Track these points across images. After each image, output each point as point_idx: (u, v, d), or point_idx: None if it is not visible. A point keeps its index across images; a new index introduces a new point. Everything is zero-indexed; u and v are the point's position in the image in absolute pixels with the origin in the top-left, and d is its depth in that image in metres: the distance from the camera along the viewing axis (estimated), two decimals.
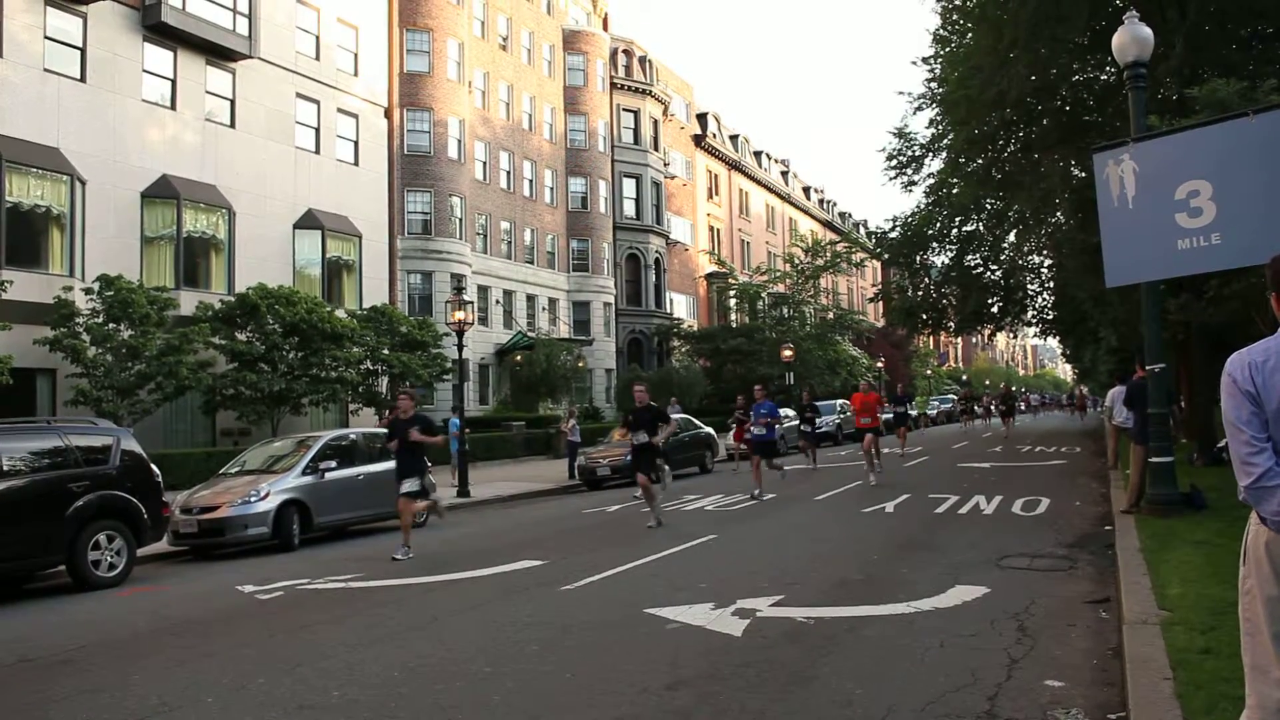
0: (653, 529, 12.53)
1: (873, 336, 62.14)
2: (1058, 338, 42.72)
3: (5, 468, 9.97)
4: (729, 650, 6.02)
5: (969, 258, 28.28)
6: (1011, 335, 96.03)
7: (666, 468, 18.31)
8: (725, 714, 4.80)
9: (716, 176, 57.25)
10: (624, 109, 46.15)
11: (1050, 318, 32.54)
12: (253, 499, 12.80)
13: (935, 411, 54.30)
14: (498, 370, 37.55)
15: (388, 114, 32.52)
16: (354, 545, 13.45)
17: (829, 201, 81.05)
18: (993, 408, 49.10)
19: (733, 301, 51.94)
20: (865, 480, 17.42)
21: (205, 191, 24.92)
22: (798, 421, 25.49)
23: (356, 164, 30.77)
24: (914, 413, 43.70)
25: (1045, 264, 28.74)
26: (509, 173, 39.11)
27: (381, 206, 31.86)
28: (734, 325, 49.66)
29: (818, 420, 24.76)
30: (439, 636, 6.95)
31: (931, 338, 69.36)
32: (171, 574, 11.68)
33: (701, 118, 56.18)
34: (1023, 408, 65.06)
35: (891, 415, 30.97)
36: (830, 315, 55.22)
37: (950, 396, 63.24)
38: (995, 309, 30.91)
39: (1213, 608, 5.60)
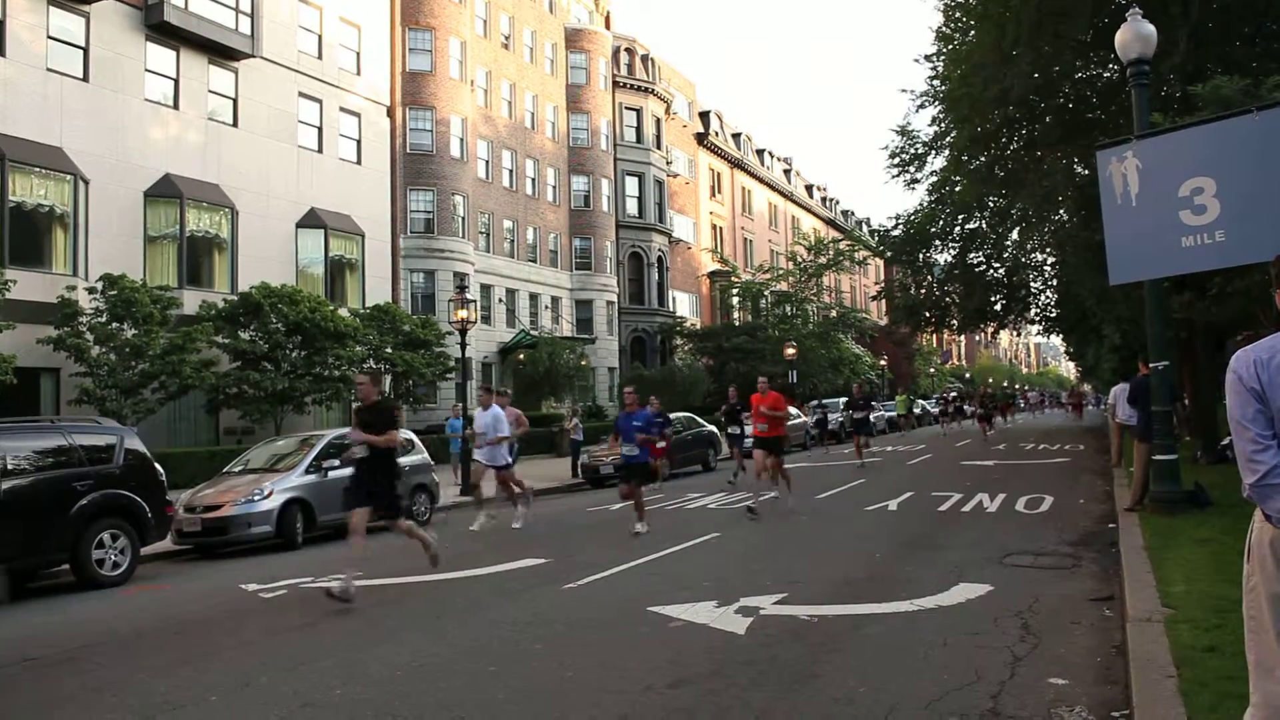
0: (341, 602, 8.10)
1: (876, 335, 62.07)
2: (1061, 336, 42.61)
3: (10, 467, 10.00)
4: (732, 648, 6.02)
5: (972, 255, 28.24)
6: (1015, 333, 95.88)
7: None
8: (728, 712, 4.80)
9: (719, 175, 57.22)
10: (626, 107, 46.14)
11: (1053, 315, 32.46)
12: (256, 498, 12.81)
13: (939, 410, 53.97)
14: (500, 369, 37.55)
15: (390, 113, 32.52)
16: None
17: (831, 200, 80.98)
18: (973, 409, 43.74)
19: (735, 300, 51.92)
20: (753, 514, 13.05)
21: (208, 190, 24.94)
22: (725, 424, 21.75)
23: (359, 163, 30.78)
24: (894, 414, 42.08)
25: (1048, 262, 28.67)
26: (511, 171, 39.12)
27: (384, 205, 31.87)
28: (737, 323, 49.65)
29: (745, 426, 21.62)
30: (442, 635, 6.95)
31: (935, 336, 69.25)
32: (175, 573, 11.69)
33: (704, 116, 56.15)
34: (1022, 405, 63.96)
35: (849, 420, 27.32)
36: (833, 313, 55.18)
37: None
38: (998, 307, 30.85)
39: (1217, 606, 5.59)
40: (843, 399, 37.09)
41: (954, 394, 52.60)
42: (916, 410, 47.72)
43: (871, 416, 24.33)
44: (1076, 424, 42.39)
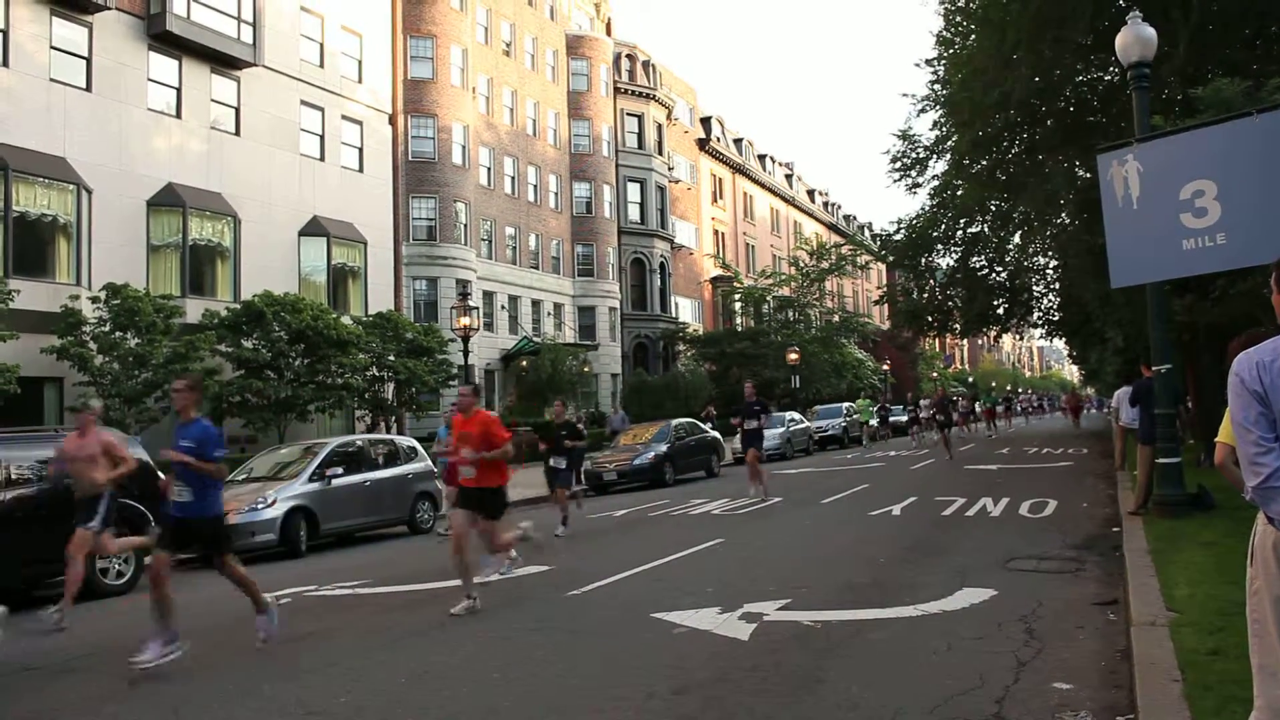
0: None
1: (878, 339, 62.07)
2: (1064, 339, 42.52)
3: (13, 476, 10.01)
4: (736, 654, 6.01)
5: (974, 259, 28.23)
6: (1017, 337, 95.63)
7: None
8: (732, 718, 4.79)
9: (721, 180, 57.28)
10: (628, 113, 46.22)
11: (1056, 319, 32.41)
12: (260, 506, 12.83)
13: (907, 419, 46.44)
14: (503, 376, 37.57)
15: (392, 120, 32.59)
16: (361, 552, 13.46)
17: (833, 204, 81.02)
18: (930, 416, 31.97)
19: (738, 305, 51.92)
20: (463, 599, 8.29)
21: (211, 199, 24.99)
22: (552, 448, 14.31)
23: (361, 171, 30.84)
24: (854, 419, 35.55)
25: (1050, 265, 28.66)
26: (513, 178, 39.18)
27: (386, 213, 31.92)
28: (739, 329, 49.65)
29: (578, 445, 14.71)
30: (446, 642, 6.95)
31: (937, 340, 69.15)
32: (179, 581, 11.61)
33: (705, 121, 56.22)
34: (1017, 410, 60.99)
35: (739, 434, 19.83)
36: (836, 318, 55.18)
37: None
38: (1001, 311, 30.82)
39: (1221, 609, 5.58)
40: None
41: (925, 400, 39.92)
42: (901, 418, 39.72)
43: (767, 429, 18.36)
44: (1072, 431, 37.40)
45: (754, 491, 16.54)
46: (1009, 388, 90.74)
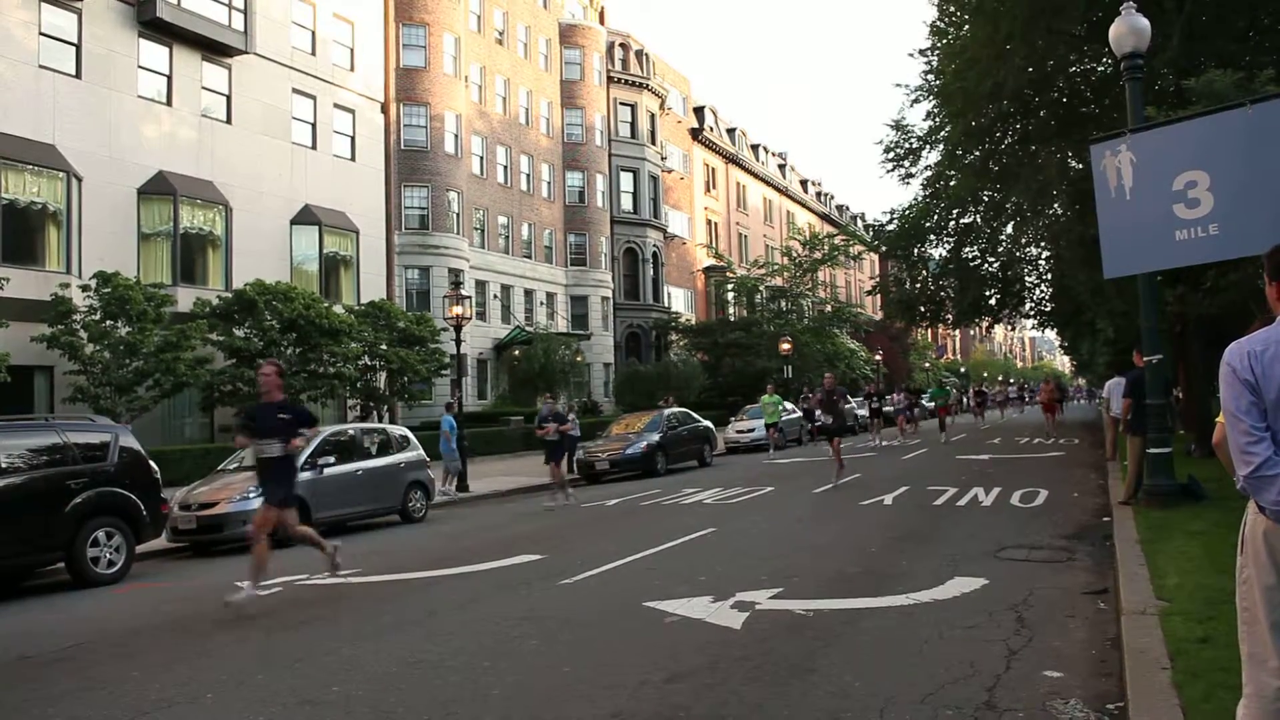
0: None
1: (871, 329, 62.15)
2: (1055, 330, 42.59)
3: (4, 465, 9.97)
4: (728, 643, 6.02)
5: (966, 250, 28.25)
6: (1009, 327, 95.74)
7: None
8: (724, 707, 4.80)
9: (714, 170, 57.20)
10: (621, 103, 46.09)
11: (1048, 310, 32.47)
12: (251, 495, 12.76)
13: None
14: (496, 365, 37.54)
15: (384, 109, 32.45)
16: (352, 541, 13.44)
17: (826, 194, 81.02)
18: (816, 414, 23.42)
19: (730, 295, 51.96)
20: None
21: (202, 188, 24.87)
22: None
23: (353, 159, 30.72)
24: (784, 418, 28.54)
25: (1043, 256, 28.69)
26: (506, 167, 39.07)
27: (379, 202, 31.81)
28: (732, 319, 49.67)
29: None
30: (438, 631, 6.95)
31: (929, 330, 69.25)
32: (170, 570, 11.67)
33: (699, 111, 56.10)
34: (994, 402, 55.46)
35: (557, 437, 17.14)
36: (828, 308, 55.24)
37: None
38: (993, 301, 30.85)
39: (1210, 598, 5.61)
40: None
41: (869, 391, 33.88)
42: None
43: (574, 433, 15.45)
44: (1047, 425, 29.34)
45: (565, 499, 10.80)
46: (1000, 378, 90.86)
